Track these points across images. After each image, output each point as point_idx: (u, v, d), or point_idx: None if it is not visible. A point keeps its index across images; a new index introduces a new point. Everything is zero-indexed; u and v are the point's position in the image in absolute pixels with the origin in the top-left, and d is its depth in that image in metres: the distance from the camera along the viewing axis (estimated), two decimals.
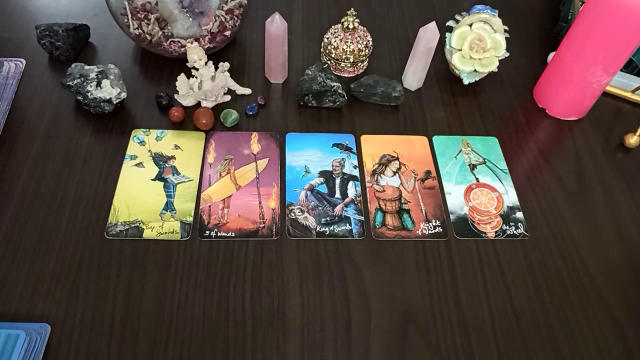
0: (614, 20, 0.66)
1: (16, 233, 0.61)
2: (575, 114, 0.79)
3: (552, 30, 0.93)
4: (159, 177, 0.67)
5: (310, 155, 0.71)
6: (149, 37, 0.76)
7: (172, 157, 0.69)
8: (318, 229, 0.64)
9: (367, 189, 0.68)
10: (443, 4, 0.96)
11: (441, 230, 0.65)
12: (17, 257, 0.59)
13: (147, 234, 0.61)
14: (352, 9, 0.77)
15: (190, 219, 0.63)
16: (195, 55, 0.70)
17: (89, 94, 0.69)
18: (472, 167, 0.72)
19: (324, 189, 0.68)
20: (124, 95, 0.71)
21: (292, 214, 0.65)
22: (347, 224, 0.64)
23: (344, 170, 0.70)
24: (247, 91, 0.77)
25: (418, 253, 0.62)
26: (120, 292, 0.57)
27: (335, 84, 0.73)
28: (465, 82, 0.79)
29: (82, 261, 0.59)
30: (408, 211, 0.66)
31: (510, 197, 0.69)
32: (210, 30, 0.77)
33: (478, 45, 0.77)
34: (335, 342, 0.55)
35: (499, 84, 0.83)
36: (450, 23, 0.80)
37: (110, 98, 0.70)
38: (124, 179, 0.66)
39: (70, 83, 0.70)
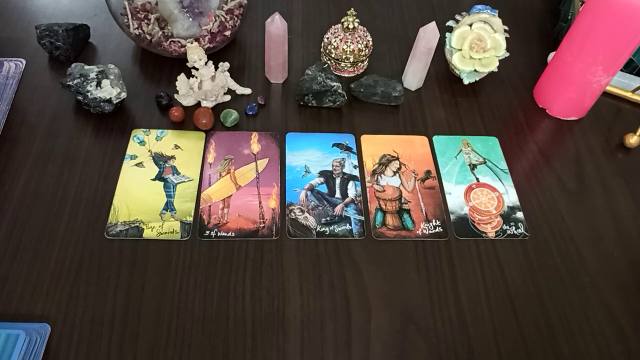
0: (614, 20, 0.66)
1: (16, 233, 0.61)
2: (575, 114, 0.79)
3: (552, 30, 0.93)
4: (159, 177, 0.67)
5: (310, 155, 0.71)
6: (149, 37, 0.76)
7: (172, 157, 0.69)
8: (318, 229, 0.64)
9: (367, 189, 0.68)
10: (443, 4, 0.96)
11: (441, 230, 0.65)
12: (17, 257, 0.59)
13: (147, 234, 0.61)
14: (352, 9, 0.77)
15: (190, 219, 0.63)
16: (195, 55, 0.70)
17: (89, 94, 0.69)
18: (472, 167, 0.72)
19: (324, 189, 0.68)
20: (124, 95, 0.71)
21: (292, 214, 0.65)
22: (347, 224, 0.64)
23: (344, 170, 0.70)
24: (247, 91, 0.77)
25: (418, 253, 0.62)
26: (120, 292, 0.57)
27: (335, 84, 0.73)
28: (465, 82, 0.79)
29: (82, 261, 0.59)
30: (408, 211, 0.66)
31: (511, 197, 0.69)
32: (210, 30, 0.77)
33: (478, 45, 0.77)
34: (335, 342, 0.55)
35: (499, 84, 0.83)
36: (450, 23, 0.80)
37: (110, 98, 0.70)
38: (124, 178, 0.66)
39: (70, 83, 0.70)
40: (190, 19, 0.76)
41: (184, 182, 0.67)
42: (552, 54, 0.81)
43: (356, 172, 0.70)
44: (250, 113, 0.75)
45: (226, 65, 0.75)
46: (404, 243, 0.63)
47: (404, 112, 0.77)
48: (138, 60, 0.81)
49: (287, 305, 0.57)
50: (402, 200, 0.67)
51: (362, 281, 0.60)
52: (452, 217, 0.66)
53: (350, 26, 0.77)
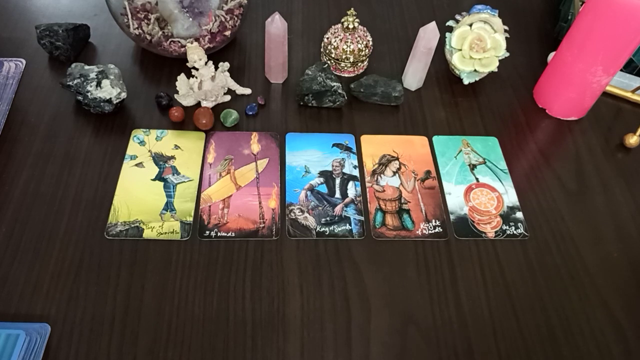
0: (614, 20, 0.66)
1: (16, 233, 0.61)
2: (575, 114, 0.79)
3: (552, 30, 0.93)
4: (159, 177, 0.67)
5: (310, 155, 0.71)
6: (149, 37, 0.76)
7: (172, 157, 0.69)
8: (318, 229, 0.64)
9: (367, 189, 0.68)
10: (443, 4, 0.96)
11: (441, 230, 0.65)
12: (17, 257, 0.59)
13: (147, 234, 0.61)
14: (352, 9, 0.77)
15: (190, 219, 0.63)
16: (195, 55, 0.70)
17: (89, 94, 0.69)
18: (472, 167, 0.72)
19: (324, 189, 0.68)
20: (124, 95, 0.71)
21: (292, 214, 0.65)
22: (347, 224, 0.64)
23: (344, 170, 0.70)
24: (247, 91, 0.77)
25: (418, 253, 0.62)
26: (120, 292, 0.57)
27: (335, 84, 0.73)
28: (465, 82, 0.79)
29: (82, 261, 0.59)
30: (408, 211, 0.66)
31: (510, 197, 0.69)
32: (210, 30, 0.77)
33: (478, 45, 0.77)
34: (335, 342, 0.55)
35: (499, 84, 0.83)
36: (450, 23, 0.80)
37: (110, 98, 0.70)
38: (124, 179, 0.66)
39: (70, 83, 0.70)
40: (190, 19, 0.76)
41: (184, 182, 0.67)
42: (552, 54, 0.81)
43: (356, 172, 0.70)
44: (250, 113, 0.75)
45: (226, 65, 0.75)
46: (403, 243, 0.63)
47: (404, 112, 0.77)
48: (138, 60, 0.81)
49: (287, 305, 0.57)
50: (402, 201, 0.67)
51: (362, 281, 0.60)
52: (451, 217, 0.66)
53: (350, 26, 0.77)
